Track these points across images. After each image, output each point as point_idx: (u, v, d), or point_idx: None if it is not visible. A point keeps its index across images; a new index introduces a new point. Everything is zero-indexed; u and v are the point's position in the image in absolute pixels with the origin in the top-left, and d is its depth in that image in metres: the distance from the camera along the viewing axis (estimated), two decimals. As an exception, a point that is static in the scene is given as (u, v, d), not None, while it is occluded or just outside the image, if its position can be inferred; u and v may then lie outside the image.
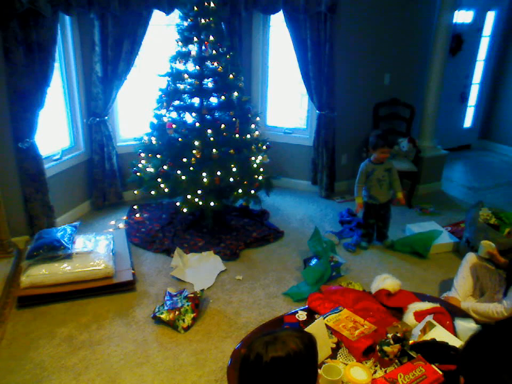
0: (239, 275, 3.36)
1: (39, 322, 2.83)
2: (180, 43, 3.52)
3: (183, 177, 3.50)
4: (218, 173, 3.46)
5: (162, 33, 4.21)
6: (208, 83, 3.58)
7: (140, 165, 3.80)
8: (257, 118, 3.88)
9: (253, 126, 3.79)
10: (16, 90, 3.26)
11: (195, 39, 3.47)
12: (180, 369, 2.48)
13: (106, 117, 4.04)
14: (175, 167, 3.55)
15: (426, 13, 4.71)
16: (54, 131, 3.91)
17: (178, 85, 3.54)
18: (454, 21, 4.59)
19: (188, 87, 3.55)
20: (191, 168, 3.50)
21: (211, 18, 3.45)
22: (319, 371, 1.89)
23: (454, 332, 2.18)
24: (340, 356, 2.08)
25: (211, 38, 3.48)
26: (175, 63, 3.55)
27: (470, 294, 2.88)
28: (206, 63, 3.54)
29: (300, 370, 1.27)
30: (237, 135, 3.62)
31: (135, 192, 4.13)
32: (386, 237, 3.83)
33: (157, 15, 3.92)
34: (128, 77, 3.98)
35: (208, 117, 3.62)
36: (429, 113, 4.77)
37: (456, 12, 4.52)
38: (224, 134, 3.57)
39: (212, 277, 3.31)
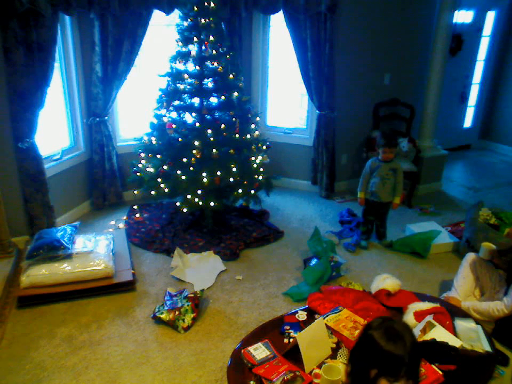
0: (239, 275, 3.36)
1: (39, 322, 2.83)
2: (180, 43, 3.52)
3: (183, 177, 3.50)
4: (218, 173, 3.46)
5: (162, 33, 4.21)
6: (208, 83, 3.59)
7: (140, 165, 3.80)
8: (257, 118, 3.88)
9: (253, 126, 3.79)
10: (16, 90, 3.26)
11: (195, 39, 3.47)
12: (180, 369, 2.48)
13: (106, 117, 4.04)
14: (175, 167, 3.55)
15: (426, 13, 4.71)
16: (54, 131, 3.91)
17: (178, 85, 3.54)
18: (454, 21, 4.58)
19: (188, 87, 3.55)
20: (191, 168, 3.50)
21: (211, 18, 3.45)
22: (319, 370, 1.89)
23: (454, 332, 2.19)
24: (340, 356, 2.08)
25: (211, 38, 3.48)
26: (175, 63, 3.55)
27: (470, 294, 2.88)
28: (206, 63, 3.54)
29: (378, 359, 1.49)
30: (237, 135, 3.62)
31: (135, 192, 4.12)
32: (384, 236, 3.84)
33: (157, 15, 3.92)
34: (128, 77, 3.98)
35: (208, 117, 3.62)
36: (429, 113, 4.76)
37: (456, 12, 4.53)
38: (224, 134, 3.57)
39: (212, 277, 3.32)
